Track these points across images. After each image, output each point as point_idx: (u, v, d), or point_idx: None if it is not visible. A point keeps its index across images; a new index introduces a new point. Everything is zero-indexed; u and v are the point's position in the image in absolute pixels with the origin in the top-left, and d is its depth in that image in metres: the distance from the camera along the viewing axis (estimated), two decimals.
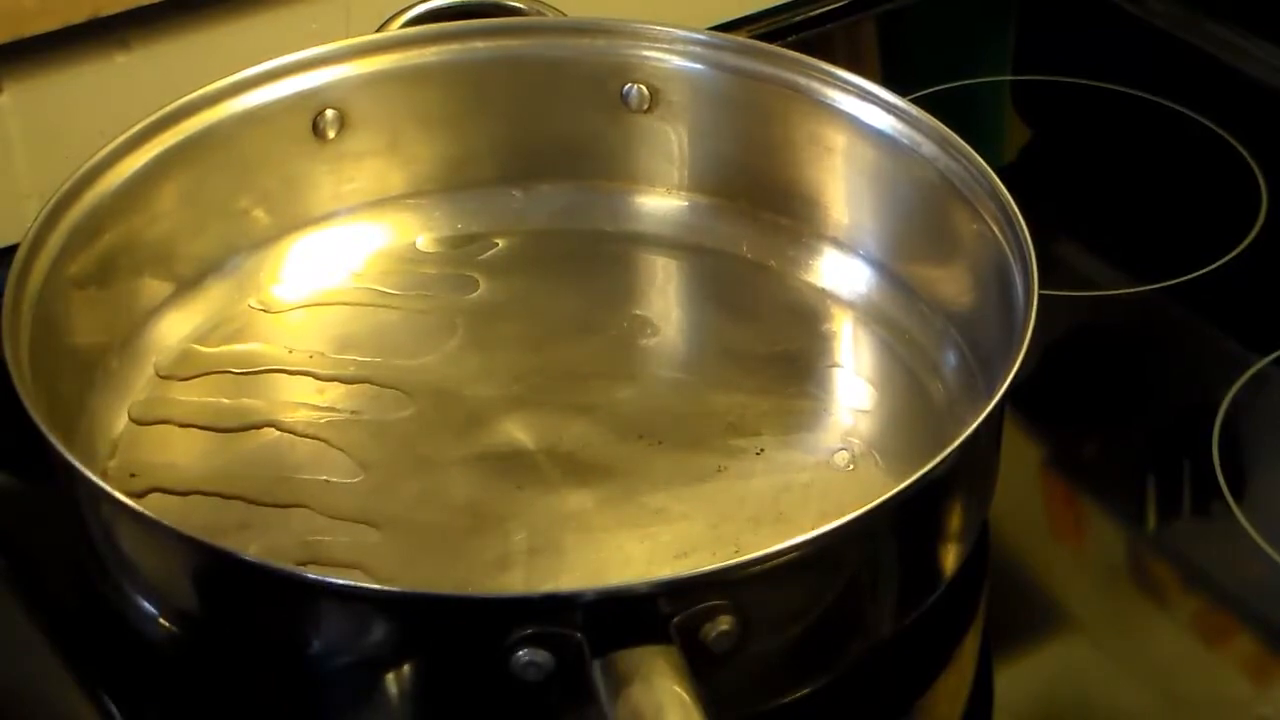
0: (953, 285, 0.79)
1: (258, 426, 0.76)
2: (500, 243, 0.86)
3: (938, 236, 0.79)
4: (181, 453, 0.74)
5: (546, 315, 0.81)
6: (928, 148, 0.78)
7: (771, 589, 0.61)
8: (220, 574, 0.62)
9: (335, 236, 0.85)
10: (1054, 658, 0.71)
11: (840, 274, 0.83)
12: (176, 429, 0.75)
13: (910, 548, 0.67)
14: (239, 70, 0.80)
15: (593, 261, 0.85)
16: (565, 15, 0.86)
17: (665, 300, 0.83)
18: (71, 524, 0.68)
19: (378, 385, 0.78)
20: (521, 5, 0.86)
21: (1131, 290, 0.88)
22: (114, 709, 0.69)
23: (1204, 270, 0.88)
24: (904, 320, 0.80)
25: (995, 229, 0.74)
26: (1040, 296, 0.69)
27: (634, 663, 0.57)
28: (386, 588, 0.65)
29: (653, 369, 0.78)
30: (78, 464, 0.63)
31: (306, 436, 0.75)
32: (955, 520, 0.68)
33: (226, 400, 0.77)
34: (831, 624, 0.64)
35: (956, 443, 0.63)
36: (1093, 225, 0.93)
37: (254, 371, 0.79)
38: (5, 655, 0.70)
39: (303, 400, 0.77)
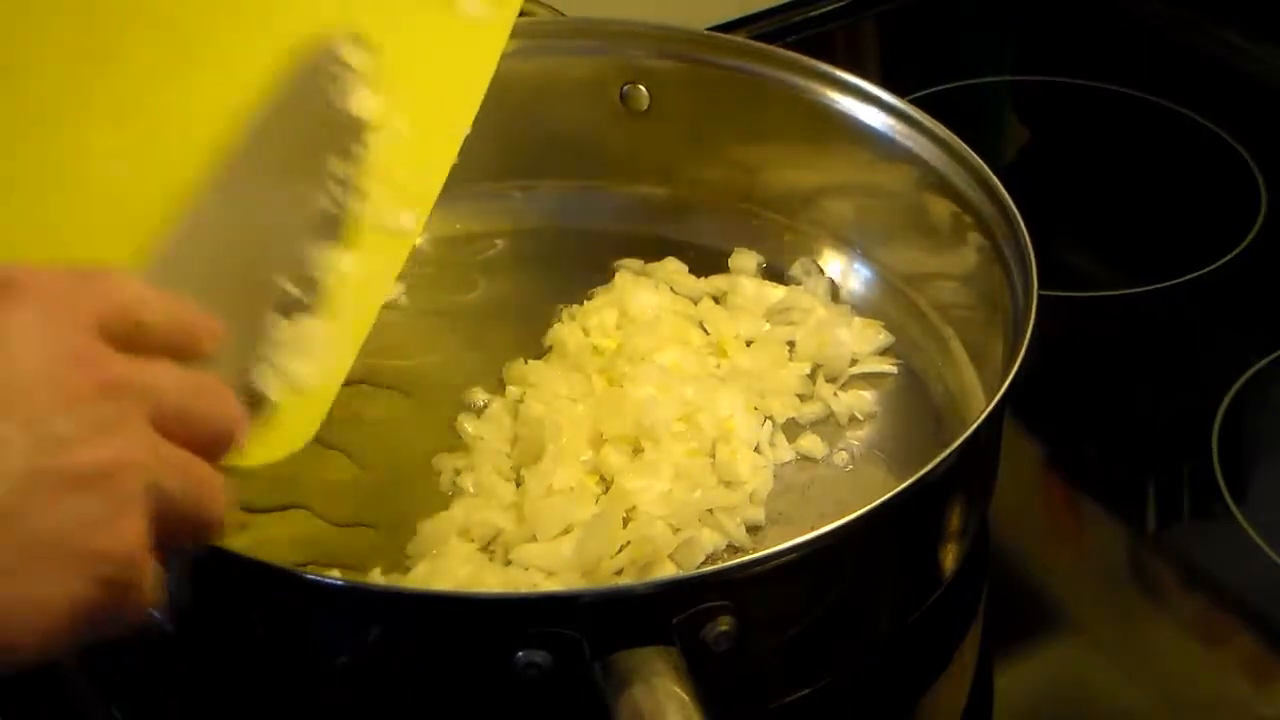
0: (952, 285, 0.79)
1: None
2: (500, 243, 0.86)
3: (937, 236, 0.79)
4: None
5: (546, 315, 0.81)
6: (927, 149, 0.78)
7: (772, 589, 0.61)
8: (220, 574, 0.62)
9: None
10: (1054, 658, 0.71)
11: (840, 274, 0.83)
12: None
13: (910, 548, 0.67)
14: None
15: (592, 261, 0.85)
16: (564, 15, 0.86)
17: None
18: None
19: (377, 385, 0.77)
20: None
21: (1131, 290, 0.88)
22: (114, 708, 0.69)
23: (1204, 270, 0.88)
24: (904, 320, 0.80)
25: (995, 229, 0.74)
26: (1040, 296, 0.69)
27: (634, 663, 0.57)
28: (387, 587, 0.65)
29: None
30: None
31: None
32: (955, 520, 0.68)
33: None
34: (832, 624, 0.64)
35: (957, 443, 0.63)
36: (1093, 225, 0.93)
37: None
38: None
39: None
